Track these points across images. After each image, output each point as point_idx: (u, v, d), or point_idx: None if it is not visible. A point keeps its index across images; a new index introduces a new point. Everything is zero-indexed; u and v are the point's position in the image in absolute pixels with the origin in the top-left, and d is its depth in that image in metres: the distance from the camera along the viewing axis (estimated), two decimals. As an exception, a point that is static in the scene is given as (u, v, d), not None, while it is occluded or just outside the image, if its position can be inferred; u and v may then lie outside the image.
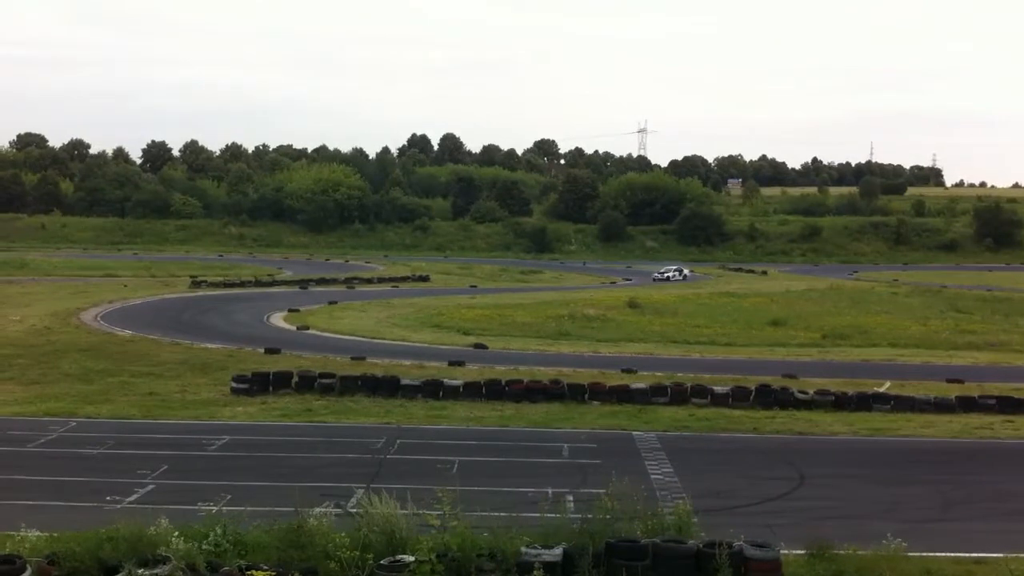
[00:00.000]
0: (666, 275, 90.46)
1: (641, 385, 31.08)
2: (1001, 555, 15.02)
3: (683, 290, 77.22)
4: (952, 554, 15.87)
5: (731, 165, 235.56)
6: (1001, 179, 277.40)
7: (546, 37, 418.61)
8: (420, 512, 14.90)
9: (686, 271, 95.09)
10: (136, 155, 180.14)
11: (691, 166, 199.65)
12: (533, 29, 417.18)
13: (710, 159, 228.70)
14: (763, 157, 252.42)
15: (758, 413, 28.85)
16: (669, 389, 30.52)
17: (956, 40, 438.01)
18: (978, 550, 16.15)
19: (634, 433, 25.97)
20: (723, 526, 15.31)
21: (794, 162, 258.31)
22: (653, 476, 21.18)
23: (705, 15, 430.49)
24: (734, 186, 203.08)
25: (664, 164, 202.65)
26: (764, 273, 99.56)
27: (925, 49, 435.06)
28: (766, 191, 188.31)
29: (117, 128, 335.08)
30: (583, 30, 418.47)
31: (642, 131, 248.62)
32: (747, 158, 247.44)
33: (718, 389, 30.60)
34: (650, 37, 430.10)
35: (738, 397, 30.11)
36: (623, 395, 30.06)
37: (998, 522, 18.74)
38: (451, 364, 36.68)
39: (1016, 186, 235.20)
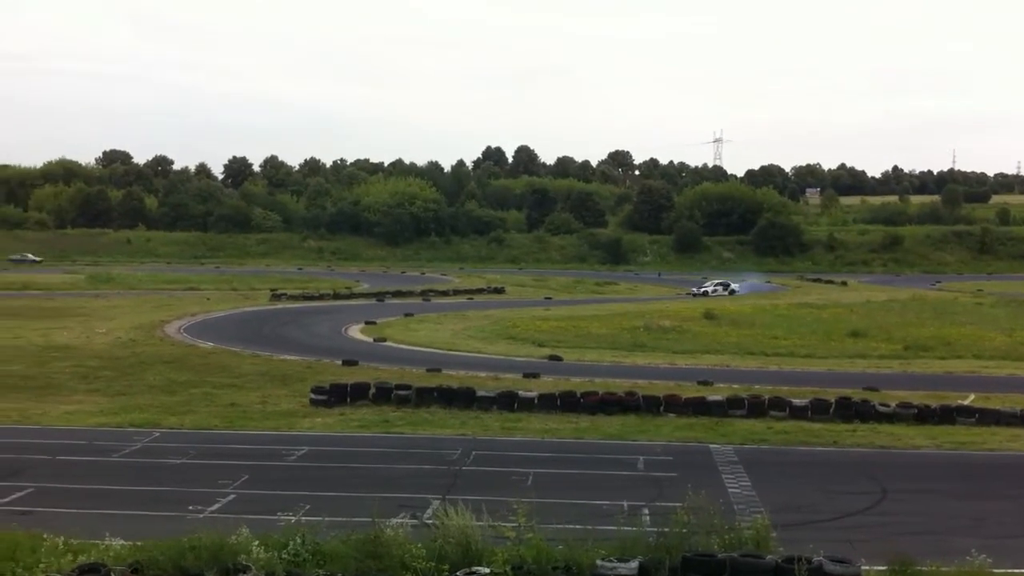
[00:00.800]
0: (705, 289, 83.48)
1: (718, 397, 30.77)
2: (1091, 573, 14.59)
3: (760, 301, 76.35)
4: (1040, 572, 15.46)
5: (809, 174, 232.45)
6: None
7: (620, 46, 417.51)
8: (495, 524, 14.95)
9: (734, 285, 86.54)
10: (218, 171, 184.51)
11: (768, 176, 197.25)
12: (608, 39, 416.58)
13: (787, 168, 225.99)
14: (842, 166, 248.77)
15: (838, 426, 28.37)
16: (746, 401, 30.16)
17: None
18: (1067, 568, 15.70)
19: (711, 446, 25.73)
20: (802, 541, 15.10)
21: (874, 170, 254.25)
22: (730, 490, 20.96)
23: (782, 22, 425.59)
24: (812, 195, 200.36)
25: (740, 174, 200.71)
26: (843, 284, 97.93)
27: (1009, 54, 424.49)
28: (845, 200, 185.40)
29: (199, 144, 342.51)
30: (659, 38, 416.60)
31: (718, 141, 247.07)
32: (825, 167, 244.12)
33: (797, 402, 30.17)
34: (728, 45, 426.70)
35: (817, 410, 29.64)
36: (699, 407, 29.79)
37: (1088, 539, 18.18)
38: (526, 376, 36.72)
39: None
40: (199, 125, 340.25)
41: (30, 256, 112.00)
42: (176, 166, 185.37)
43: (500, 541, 14.35)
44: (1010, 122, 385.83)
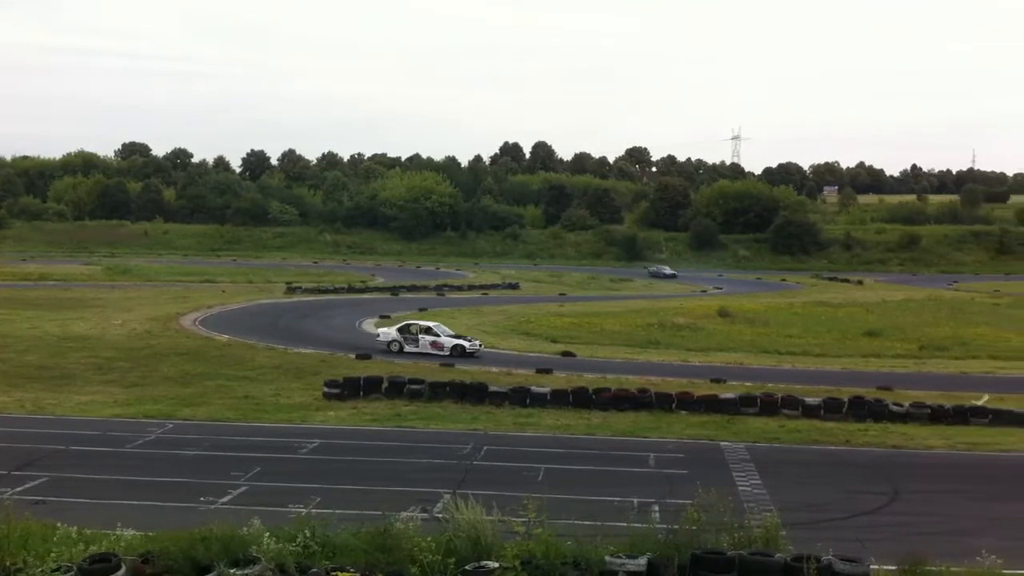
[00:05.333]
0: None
1: (730, 395, 30.72)
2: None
3: (776, 299, 76.13)
4: (1051, 573, 15.37)
5: (827, 172, 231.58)
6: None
7: (640, 46, 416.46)
8: (505, 519, 14.96)
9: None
10: (236, 164, 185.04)
11: (786, 173, 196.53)
12: (627, 36, 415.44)
13: (805, 166, 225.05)
14: (860, 164, 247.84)
15: (851, 425, 28.31)
16: (759, 400, 30.12)
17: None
18: (1079, 570, 15.60)
19: (722, 444, 25.70)
20: (812, 540, 15.05)
21: (892, 169, 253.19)
22: (741, 488, 20.92)
23: (803, 20, 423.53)
24: (830, 194, 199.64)
25: (758, 172, 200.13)
26: (860, 282, 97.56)
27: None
28: (863, 199, 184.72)
29: (218, 138, 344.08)
30: (677, 34, 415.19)
31: (736, 138, 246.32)
32: (844, 165, 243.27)
33: (809, 400, 30.10)
34: (746, 42, 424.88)
35: (830, 409, 29.57)
36: (711, 405, 29.76)
37: (1102, 541, 18.06)
38: (539, 372, 36.76)
39: None
40: (218, 119, 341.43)
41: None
42: (195, 159, 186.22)
43: (510, 536, 14.35)
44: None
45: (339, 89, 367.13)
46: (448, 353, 40.85)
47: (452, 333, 42.99)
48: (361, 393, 30.96)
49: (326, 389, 31.10)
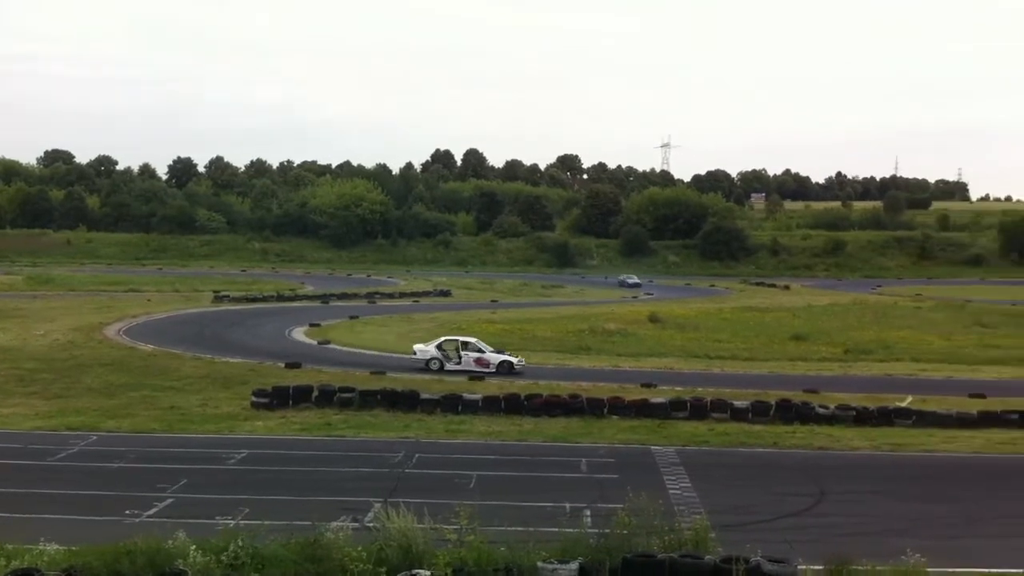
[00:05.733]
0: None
1: (661, 399, 30.97)
2: (1022, 571, 14.86)
3: (706, 304, 77.01)
4: (973, 570, 15.74)
5: (755, 179, 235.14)
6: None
7: (570, 54, 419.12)
8: (437, 526, 14.91)
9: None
10: (162, 171, 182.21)
11: (714, 181, 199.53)
12: (557, 42, 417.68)
13: (733, 174, 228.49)
14: (787, 171, 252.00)
15: (778, 428, 28.71)
16: (689, 404, 30.41)
17: (981, 51, 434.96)
18: (1000, 566, 16.04)
19: (653, 448, 25.90)
20: (741, 542, 15.23)
21: (818, 176, 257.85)
22: (671, 491, 21.09)
23: (730, 30, 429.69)
24: (757, 200, 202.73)
25: (687, 179, 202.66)
26: (787, 287, 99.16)
27: (950, 62, 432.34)
28: (790, 205, 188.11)
29: (143, 145, 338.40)
30: (607, 44, 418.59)
31: (665, 146, 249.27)
32: (771, 172, 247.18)
33: (738, 404, 30.46)
34: (676, 52, 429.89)
35: (758, 412, 29.97)
36: (642, 410, 29.97)
37: (1020, 538, 18.54)
38: (471, 378, 36.70)
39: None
40: (144, 126, 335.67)
41: None
42: (119, 166, 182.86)
43: (442, 544, 14.30)
44: (952, 131, 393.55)
45: (268, 96, 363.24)
46: (494, 370, 38.82)
47: (495, 349, 41.09)
48: (290, 402, 30.59)
49: (254, 399, 30.67)
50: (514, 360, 40.00)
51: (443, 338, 42.09)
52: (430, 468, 23.28)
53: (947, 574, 15.07)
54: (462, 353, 40.07)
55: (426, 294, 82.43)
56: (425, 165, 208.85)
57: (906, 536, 17.25)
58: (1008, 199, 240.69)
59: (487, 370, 38.92)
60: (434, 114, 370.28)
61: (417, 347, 41.61)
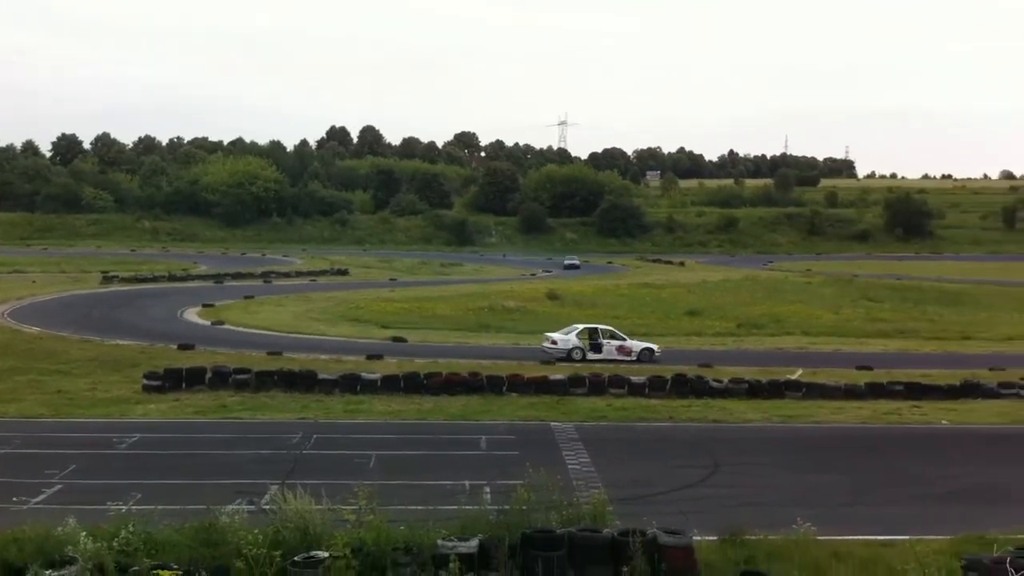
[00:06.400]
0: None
1: (560, 376, 31.19)
2: (907, 537, 15.35)
3: (603, 281, 77.80)
4: (861, 537, 16.18)
5: (650, 157, 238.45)
6: (911, 170, 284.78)
7: (467, 29, 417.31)
8: (336, 507, 14.74)
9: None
10: (46, 148, 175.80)
11: (611, 159, 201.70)
12: (453, 20, 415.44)
13: (629, 152, 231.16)
14: (681, 150, 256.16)
15: (674, 402, 29.18)
16: (587, 380, 30.68)
17: (867, 37, 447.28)
18: (886, 533, 16.50)
19: (552, 424, 26.06)
20: (639, 514, 15.42)
21: (711, 154, 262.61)
22: (570, 466, 21.24)
23: (625, 12, 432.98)
24: (653, 178, 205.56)
25: (584, 157, 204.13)
26: (682, 264, 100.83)
27: (837, 45, 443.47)
28: (684, 183, 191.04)
29: (27, 125, 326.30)
30: (503, 22, 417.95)
31: (563, 124, 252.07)
32: (665, 151, 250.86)
33: (635, 379, 30.88)
34: (572, 31, 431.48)
35: (655, 387, 30.43)
36: (542, 387, 30.15)
37: (905, 505, 19.17)
38: (369, 358, 36.42)
39: (925, 177, 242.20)
40: (27, 104, 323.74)
41: None
42: (0, 144, 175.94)
43: (341, 524, 14.14)
44: (839, 110, 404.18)
45: (156, 72, 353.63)
46: (636, 358, 38.08)
47: (634, 338, 40.11)
48: (184, 385, 29.93)
49: (146, 381, 29.92)
50: (655, 347, 39.48)
51: (581, 326, 40.69)
52: (328, 449, 23.03)
53: (836, 542, 15.48)
54: (603, 341, 39.09)
55: (323, 273, 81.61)
56: (320, 142, 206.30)
57: (797, 505, 17.66)
58: (893, 176, 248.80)
59: (629, 358, 38.13)
60: (329, 91, 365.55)
61: (556, 336, 39.88)
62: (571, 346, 38.69)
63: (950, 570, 13.65)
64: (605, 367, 34.89)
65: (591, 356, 38.21)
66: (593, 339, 39.08)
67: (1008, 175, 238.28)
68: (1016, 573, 12.69)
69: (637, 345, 39.08)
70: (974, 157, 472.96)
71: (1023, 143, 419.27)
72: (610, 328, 40.42)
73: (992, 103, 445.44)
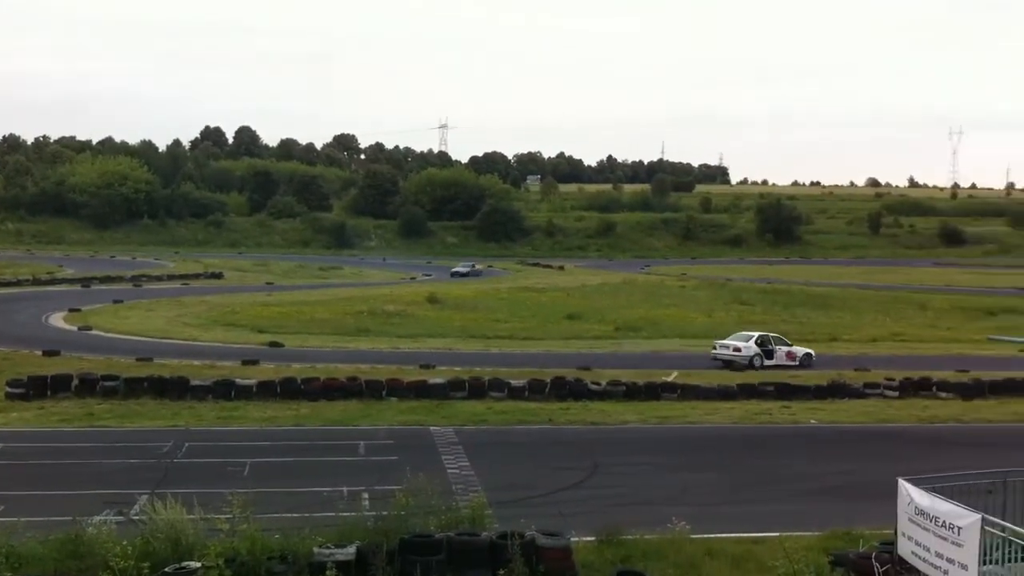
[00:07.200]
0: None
1: (439, 380, 31.12)
2: (777, 534, 15.76)
3: (483, 285, 77.98)
4: (733, 535, 16.57)
5: (530, 162, 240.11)
6: (781, 177, 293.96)
7: (345, 30, 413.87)
8: (208, 517, 14.40)
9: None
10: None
11: (491, 162, 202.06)
12: (332, 22, 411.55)
13: (510, 156, 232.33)
14: (561, 154, 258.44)
15: (553, 405, 29.42)
16: (467, 383, 30.69)
17: (741, 44, 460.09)
18: (757, 530, 16.91)
19: (432, 428, 25.96)
20: (518, 517, 15.46)
21: (590, 159, 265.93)
22: (450, 470, 21.20)
23: (503, 13, 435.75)
24: (533, 183, 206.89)
25: (465, 160, 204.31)
26: (561, 268, 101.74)
27: (712, 52, 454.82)
28: (564, 188, 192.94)
29: None
30: (382, 24, 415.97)
31: (443, 127, 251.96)
32: (546, 155, 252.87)
33: (515, 382, 31.01)
34: (450, 33, 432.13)
35: (534, 390, 30.62)
36: (421, 391, 30.02)
37: (776, 503, 19.70)
38: (245, 363, 35.71)
39: (795, 183, 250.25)
40: None
41: None
42: None
43: (214, 534, 13.82)
44: (714, 116, 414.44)
45: (20, 66, 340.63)
46: (797, 363, 39.38)
47: (795, 345, 41.27)
48: (49, 392, 28.82)
49: (9, 389, 28.71)
50: (813, 353, 40.75)
51: (756, 333, 41.67)
52: (201, 457, 22.46)
53: (710, 539, 15.82)
54: (774, 348, 39.88)
55: (196, 277, 79.83)
56: (194, 142, 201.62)
57: (674, 504, 18.00)
58: (764, 183, 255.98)
59: (793, 363, 39.28)
60: (202, 90, 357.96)
61: (739, 343, 40.28)
62: (752, 353, 39.68)
63: (818, 566, 14.07)
64: (485, 370, 34.92)
65: (766, 362, 39.41)
66: (765, 346, 40.20)
67: (874, 183, 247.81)
68: (881, 568, 13.16)
69: (800, 351, 40.66)
70: (841, 165, 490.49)
71: (888, 152, 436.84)
72: (779, 335, 41.99)
73: (858, 114, 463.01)
